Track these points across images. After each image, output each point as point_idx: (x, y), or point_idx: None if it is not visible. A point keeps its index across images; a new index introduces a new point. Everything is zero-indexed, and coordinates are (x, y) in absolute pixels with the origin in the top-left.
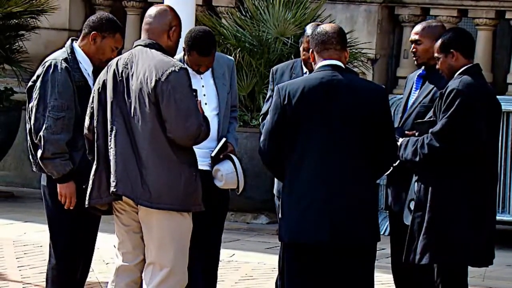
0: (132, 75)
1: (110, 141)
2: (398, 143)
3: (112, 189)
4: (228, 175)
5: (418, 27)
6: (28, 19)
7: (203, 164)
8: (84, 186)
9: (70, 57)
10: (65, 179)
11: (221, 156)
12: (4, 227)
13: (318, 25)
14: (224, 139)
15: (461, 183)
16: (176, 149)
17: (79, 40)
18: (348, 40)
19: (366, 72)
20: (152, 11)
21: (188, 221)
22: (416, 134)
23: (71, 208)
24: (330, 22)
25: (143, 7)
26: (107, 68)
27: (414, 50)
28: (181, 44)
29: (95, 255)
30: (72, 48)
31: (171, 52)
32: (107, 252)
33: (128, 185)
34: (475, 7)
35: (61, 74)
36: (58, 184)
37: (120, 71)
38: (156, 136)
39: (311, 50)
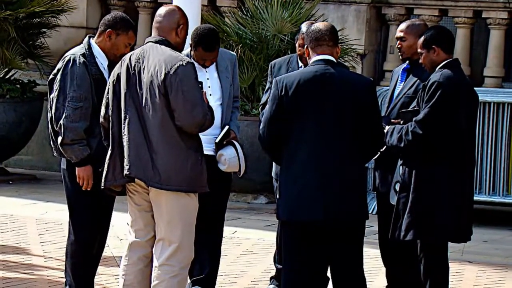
0: (144, 68)
1: (124, 129)
2: (385, 131)
3: (125, 172)
4: (230, 159)
5: (403, 25)
6: (49, 18)
7: (208, 150)
8: (100, 169)
9: (87, 52)
10: (83, 163)
11: (224, 142)
12: (27, 206)
13: (312, 23)
14: (227, 127)
15: (442, 166)
16: (184, 136)
17: (95, 37)
18: (339, 37)
19: (356, 66)
20: (161, 10)
21: (195, 201)
22: (401, 122)
23: (89, 189)
24: (323, 21)
25: (154, 7)
26: (121, 62)
27: (399, 46)
28: (188, 40)
29: (110, 231)
30: (89, 44)
31: (179, 48)
32: (121, 229)
33: (140, 168)
34: (455, 7)
35: (79, 68)
36: (76, 168)
37: (132, 65)
38: (166, 124)
39: (306, 46)
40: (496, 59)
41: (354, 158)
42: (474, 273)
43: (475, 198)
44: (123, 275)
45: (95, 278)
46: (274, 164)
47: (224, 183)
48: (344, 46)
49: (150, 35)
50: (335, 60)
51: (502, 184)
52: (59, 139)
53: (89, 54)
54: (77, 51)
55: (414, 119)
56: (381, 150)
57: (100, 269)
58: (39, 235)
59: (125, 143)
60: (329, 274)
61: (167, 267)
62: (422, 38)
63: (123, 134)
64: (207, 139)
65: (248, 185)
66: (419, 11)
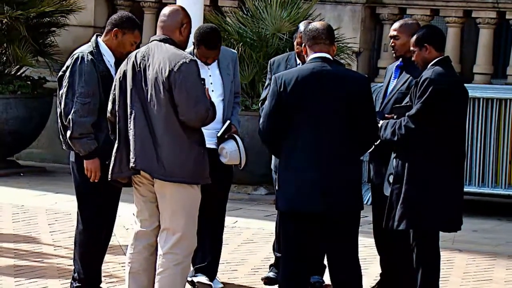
0: (149, 66)
1: (130, 123)
2: (379, 125)
3: (131, 164)
4: (232, 152)
5: (396, 25)
6: (59, 17)
7: (210, 143)
8: (107, 162)
9: (95, 50)
10: (90, 156)
11: (225, 136)
12: (38, 197)
13: (310, 22)
14: (228, 121)
15: (433, 159)
16: (187, 130)
17: (103, 35)
18: (335, 36)
19: (351, 64)
20: (166, 10)
21: (197, 192)
22: (395, 117)
23: (96, 181)
24: (320, 20)
25: (158, 7)
26: (127, 60)
27: (393, 44)
28: (191, 39)
29: (116, 221)
30: (96, 43)
31: (182, 46)
32: (127, 219)
33: (145, 161)
34: (446, 7)
35: (87, 65)
36: (84, 160)
37: (138, 63)
38: (170, 119)
39: (303, 44)
40: (485, 57)
41: (350, 151)
42: (464, 261)
43: (465, 189)
44: (129, 263)
45: (102, 266)
46: (273, 157)
47: (225, 175)
48: (340, 44)
49: (155, 33)
50: (331, 58)
51: (491, 176)
52: (68, 133)
53: (96, 52)
54: (85, 49)
55: (407, 114)
56: (376, 143)
57: (107, 257)
58: (49, 224)
59: (131, 137)
60: (325, 262)
61: (171, 256)
62: (414, 37)
63: (129, 129)
64: (209, 133)
65: (248, 177)
66: (411, 11)
